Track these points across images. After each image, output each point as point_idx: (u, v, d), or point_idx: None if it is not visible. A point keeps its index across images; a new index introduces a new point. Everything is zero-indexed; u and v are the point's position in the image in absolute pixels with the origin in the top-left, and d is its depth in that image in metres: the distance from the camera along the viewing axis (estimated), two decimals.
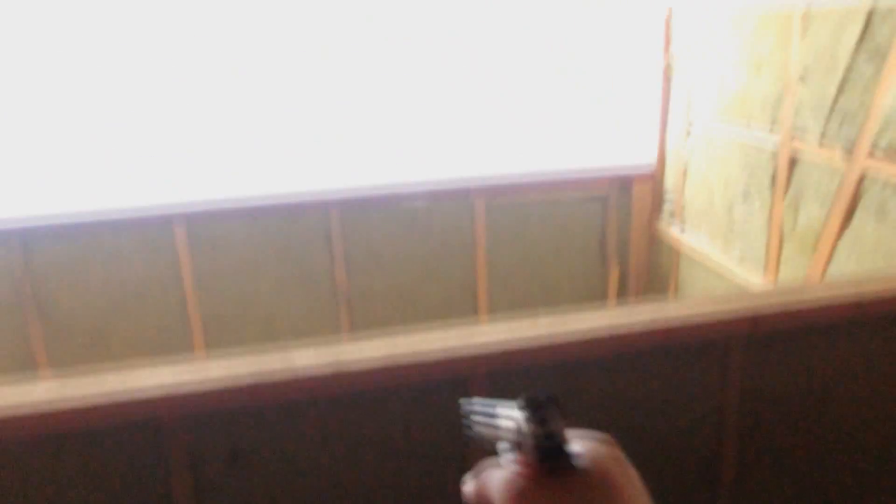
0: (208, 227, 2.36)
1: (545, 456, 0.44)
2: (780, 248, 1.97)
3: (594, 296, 2.72)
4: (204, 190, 2.41)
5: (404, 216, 2.48)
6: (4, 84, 2.41)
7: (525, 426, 0.44)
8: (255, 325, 2.44)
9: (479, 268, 2.57)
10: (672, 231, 2.54)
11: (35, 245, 2.26)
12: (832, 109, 1.72)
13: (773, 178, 1.97)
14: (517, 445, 0.45)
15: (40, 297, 2.28)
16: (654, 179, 2.61)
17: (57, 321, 2.31)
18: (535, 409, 0.44)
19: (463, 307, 2.60)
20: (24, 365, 2.31)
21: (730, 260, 2.21)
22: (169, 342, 2.38)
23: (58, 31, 2.38)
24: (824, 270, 1.78)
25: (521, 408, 0.45)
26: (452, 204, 2.52)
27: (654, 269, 2.70)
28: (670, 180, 2.55)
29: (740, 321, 1.11)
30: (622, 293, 2.74)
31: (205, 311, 2.39)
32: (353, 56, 2.61)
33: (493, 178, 2.55)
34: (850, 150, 1.67)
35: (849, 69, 1.66)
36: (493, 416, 0.49)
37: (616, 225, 2.67)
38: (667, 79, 2.49)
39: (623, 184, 2.63)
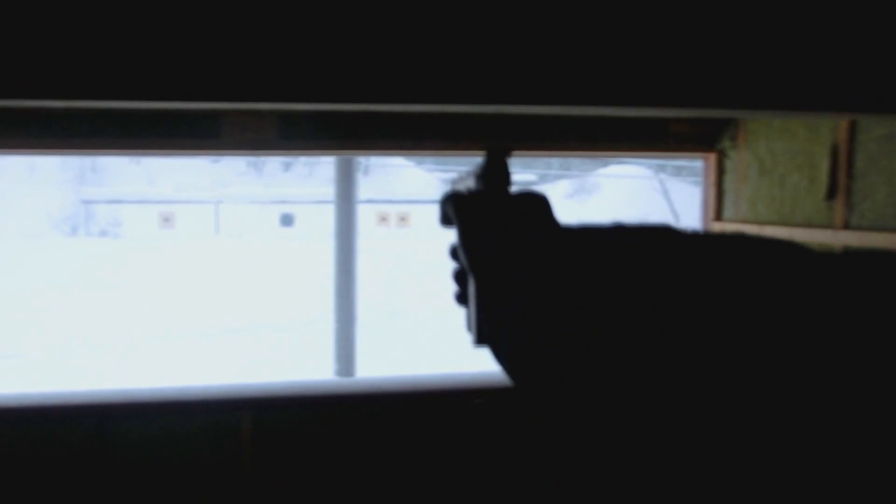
0: (273, 415, 2.44)
1: (487, 177, 0.70)
2: None
3: None
4: (272, 376, 2.52)
5: (462, 412, 2.53)
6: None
7: (483, 163, 0.70)
8: None
9: None
10: None
11: (110, 423, 2.37)
12: None
13: None
14: (475, 177, 0.71)
15: (109, 476, 2.36)
16: None
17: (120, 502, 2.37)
18: (491, 156, 0.70)
19: None
20: None
21: None
22: None
23: None
24: None
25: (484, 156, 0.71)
26: (509, 402, 2.56)
27: None
28: None
29: None
30: None
31: (261, 501, 2.42)
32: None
33: None
34: None
35: None
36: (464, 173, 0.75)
37: None
38: None
39: None
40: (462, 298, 0.70)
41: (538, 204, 0.66)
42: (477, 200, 0.69)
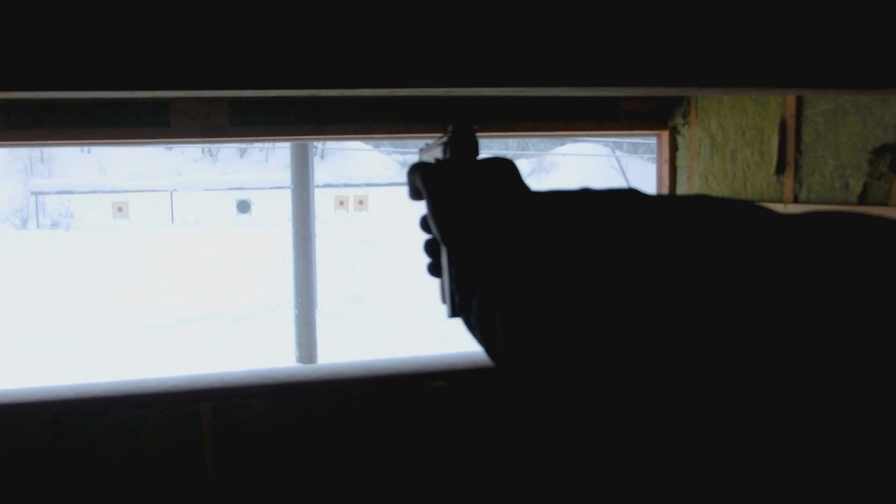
0: (233, 405, 2.42)
1: (455, 147, 0.70)
2: None
3: None
4: (232, 366, 2.50)
5: (423, 397, 2.54)
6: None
7: (450, 132, 0.69)
8: None
9: None
10: None
11: (65, 419, 2.33)
12: None
13: None
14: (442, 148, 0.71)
15: (65, 472, 2.32)
16: None
17: (77, 499, 2.34)
18: (458, 126, 0.70)
19: (484, 491, 2.59)
20: None
21: None
22: None
23: None
24: None
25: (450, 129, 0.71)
26: (471, 385, 2.57)
27: None
28: None
29: None
30: None
31: (223, 495, 2.41)
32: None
33: None
34: None
35: None
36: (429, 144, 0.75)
37: None
38: None
39: None
40: (435, 269, 0.69)
41: (506, 169, 0.66)
42: (445, 169, 0.68)
